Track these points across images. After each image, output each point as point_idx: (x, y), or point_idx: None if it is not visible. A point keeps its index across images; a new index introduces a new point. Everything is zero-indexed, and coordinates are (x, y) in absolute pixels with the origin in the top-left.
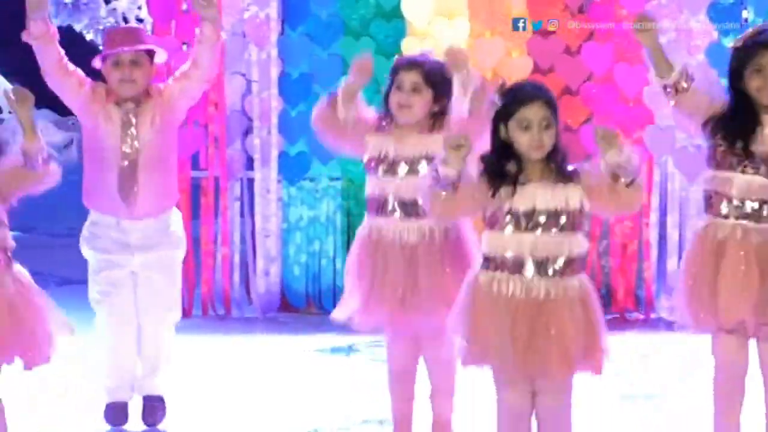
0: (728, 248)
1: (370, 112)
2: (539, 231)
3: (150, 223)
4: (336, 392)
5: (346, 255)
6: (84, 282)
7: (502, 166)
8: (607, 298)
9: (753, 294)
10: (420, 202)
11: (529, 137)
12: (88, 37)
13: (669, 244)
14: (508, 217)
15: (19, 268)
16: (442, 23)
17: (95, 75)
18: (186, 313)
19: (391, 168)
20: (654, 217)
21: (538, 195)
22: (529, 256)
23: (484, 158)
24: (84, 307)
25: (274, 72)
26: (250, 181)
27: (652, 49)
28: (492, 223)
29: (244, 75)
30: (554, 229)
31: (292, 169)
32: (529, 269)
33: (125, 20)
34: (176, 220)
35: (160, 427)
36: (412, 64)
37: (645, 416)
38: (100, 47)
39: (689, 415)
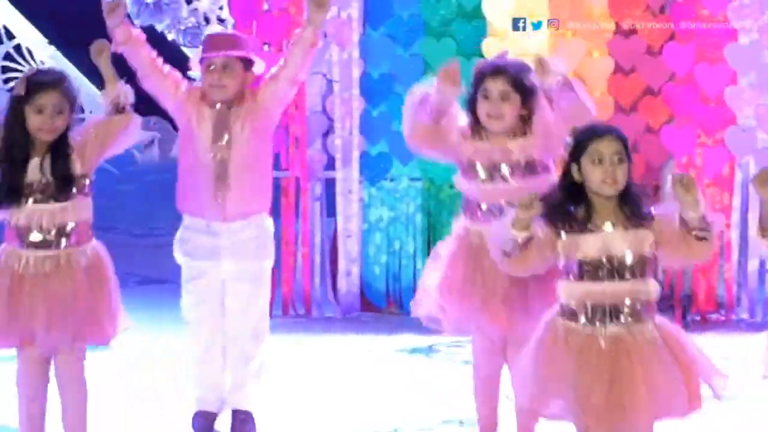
0: None
1: (462, 118)
2: (612, 278)
3: (240, 225)
4: (416, 392)
5: (426, 255)
6: (164, 281)
7: (568, 210)
8: (688, 300)
9: None
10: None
11: (601, 171)
12: (170, 37)
13: (750, 245)
14: (580, 267)
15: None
16: (522, 24)
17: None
18: None
19: (489, 174)
20: (735, 218)
21: (609, 242)
22: (601, 305)
23: (548, 200)
24: (165, 305)
25: (356, 72)
26: (329, 181)
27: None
28: (566, 272)
29: (325, 75)
30: (627, 275)
31: (372, 169)
32: (601, 317)
33: (206, 20)
34: (267, 227)
35: None
36: (498, 71)
37: (726, 417)
38: (182, 47)
39: None
